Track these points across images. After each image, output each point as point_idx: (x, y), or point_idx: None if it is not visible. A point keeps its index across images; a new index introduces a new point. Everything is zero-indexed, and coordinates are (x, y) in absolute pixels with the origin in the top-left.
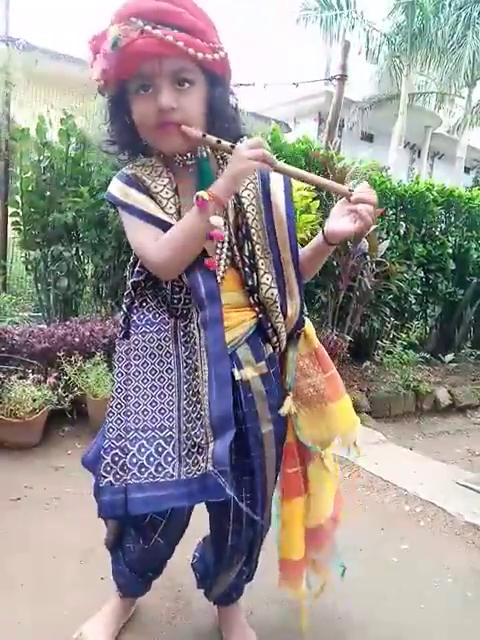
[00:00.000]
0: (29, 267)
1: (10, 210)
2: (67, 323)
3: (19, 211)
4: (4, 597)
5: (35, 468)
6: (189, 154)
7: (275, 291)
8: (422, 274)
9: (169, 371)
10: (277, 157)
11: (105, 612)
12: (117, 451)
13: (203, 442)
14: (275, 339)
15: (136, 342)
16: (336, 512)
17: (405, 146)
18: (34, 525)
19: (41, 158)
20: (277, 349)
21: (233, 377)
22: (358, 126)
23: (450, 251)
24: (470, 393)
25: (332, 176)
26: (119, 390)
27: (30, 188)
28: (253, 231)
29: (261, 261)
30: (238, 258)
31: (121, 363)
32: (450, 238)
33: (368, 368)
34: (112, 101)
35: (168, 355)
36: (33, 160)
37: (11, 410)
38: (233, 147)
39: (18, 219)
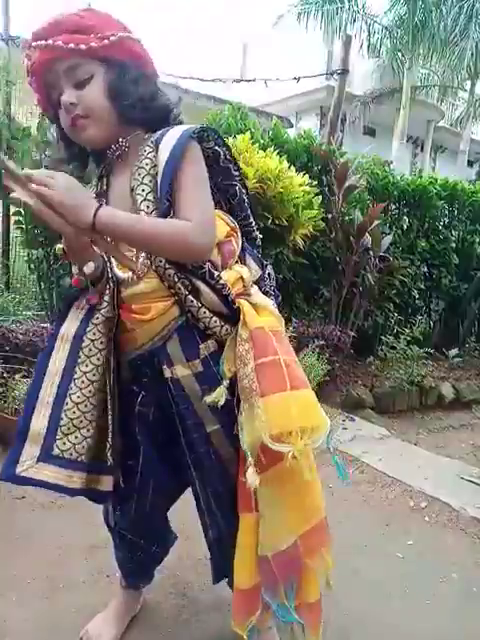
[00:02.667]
0: (32, 266)
1: (12, 209)
2: None
3: (21, 210)
4: (11, 595)
5: None
6: (114, 145)
7: (171, 271)
8: (425, 269)
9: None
10: (279, 153)
11: (110, 609)
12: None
13: None
14: (202, 326)
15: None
16: (306, 551)
17: (408, 140)
18: (39, 523)
19: (42, 157)
20: (217, 338)
21: (162, 374)
22: (360, 121)
23: (453, 245)
24: (474, 388)
25: (334, 171)
26: None
27: None
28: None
29: None
30: None
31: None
32: (453, 232)
33: (372, 363)
34: (54, 122)
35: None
36: (35, 159)
37: (15, 409)
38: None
39: (20, 218)
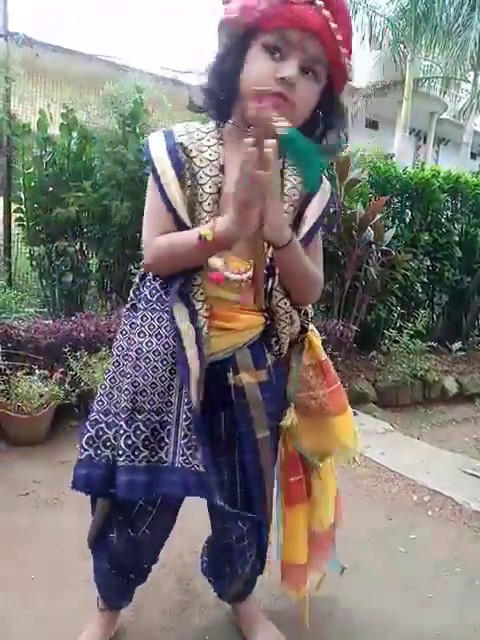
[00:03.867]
0: (34, 263)
1: (13, 206)
2: (72, 318)
3: (22, 207)
4: (15, 591)
5: (43, 463)
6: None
7: (287, 301)
8: (428, 262)
9: (173, 355)
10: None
11: (88, 636)
12: (103, 426)
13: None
14: (277, 347)
15: (144, 318)
16: (337, 518)
17: (410, 133)
18: (43, 520)
19: (43, 153)
20: (279, 355)
21: (226, 381)
22: (362, 113)
23: (456, 238)
24: (478, 381)
25: (336, 164)
26: (117, 364)
27: (33, 184)
28: None
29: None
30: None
31: (123, 337)
32: (456, 225)
33: (375, 358)
34: (229, 49)
35: (175, 338)
36: (35, 156)
37: (18, 406)
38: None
39: (22, 215)
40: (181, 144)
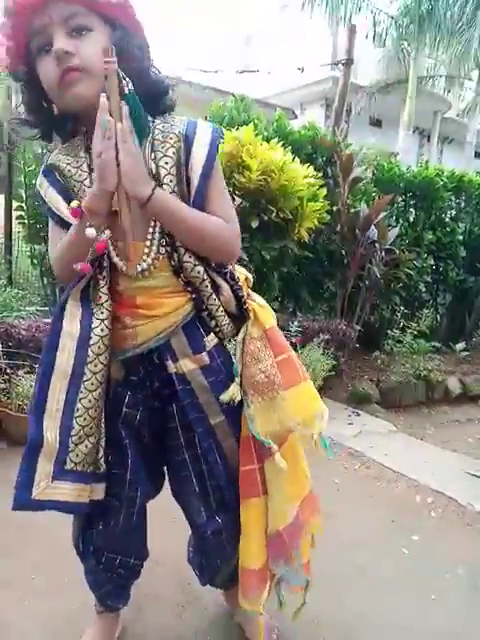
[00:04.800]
0: (35, 261)
1: (14, 204)
2: None
3: (23, 205)
4: (17, 590)
5: None
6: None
7: (201, 268)
8: (432, 262)
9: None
10: (283, 145)
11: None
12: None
13: None
14: (214, 323)
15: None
16: (305, 517)
17: (414, 131)
18: (44, 519)
19: (44, 151)
20: (220, 334)
21: (166, 369)
22: (366, 111)
23: (460, 238)
24: None
25: (339, 163)
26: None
27: (34, 182)
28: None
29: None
30: (164, 238)
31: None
32: (460, 224)
33: (378, 358)
34: (24, 79)
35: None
36: (36, 153)
37: (19, 405)
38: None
39: (23, 213)
40: (51, 165)
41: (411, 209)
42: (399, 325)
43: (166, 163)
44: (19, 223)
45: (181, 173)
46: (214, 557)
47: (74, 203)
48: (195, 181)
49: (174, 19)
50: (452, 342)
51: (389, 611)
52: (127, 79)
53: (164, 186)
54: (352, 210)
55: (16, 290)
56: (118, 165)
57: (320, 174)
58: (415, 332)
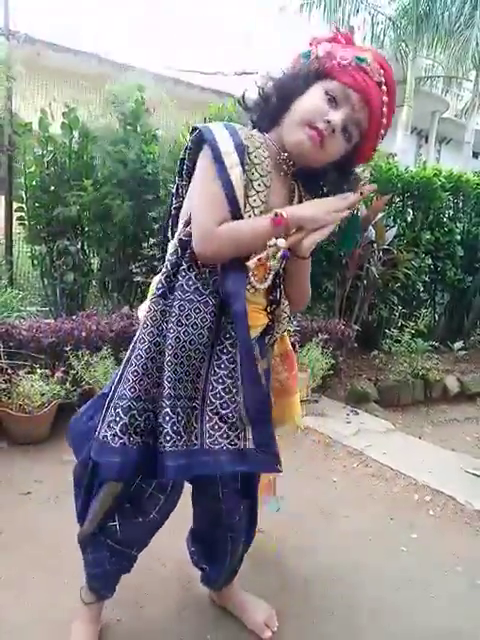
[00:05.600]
0: (35, 262)
1: (15, 205)
2: (74, 317)
3: (24, 206)
4: (16, 589)
5: (45, 462)
6: (291, 162)
7: (288, 309)
8: (430, 261)
9: (206, 346)
10: None
11: (82, 632)
12: (135, 413)
13: (237, 422)
14: (271, 341)
15: (181, 307)
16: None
17: (412, 132)
18: (44, 518)
19: (44, 152)
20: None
21: (257, 369)
22: None
23: (458, 238)
24: (479, 380)
25: None
26: (148, 350)
27: (34, 183)
28: None
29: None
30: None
31: (155, 323)
32: (458, 224)
33: (376, 357)
34: (302, 72)
35: (210, 330)
36: (36, 154)
37: (20, 405)
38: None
39: (23, 214)
40: (247, 147)
41: (409, 209)
42: (397, 324)
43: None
44: (19, 224)
45: None
46: (236, 542)
47: (282, 212)
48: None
49: (175, 20)
50: (450, 341)
51: (388, 609)
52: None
53: None
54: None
55: (17, 290)
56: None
57: None
58: (413, 331)
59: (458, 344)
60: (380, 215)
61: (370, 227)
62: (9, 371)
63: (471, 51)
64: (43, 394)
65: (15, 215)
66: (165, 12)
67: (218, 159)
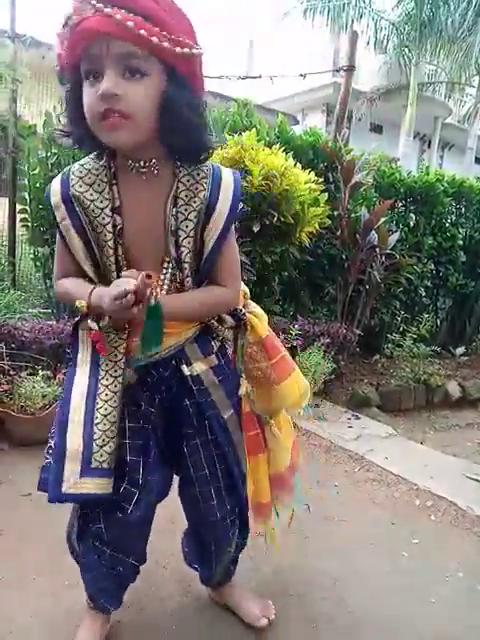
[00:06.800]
0: (38, 264)
1: (18, 207)
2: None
3: (27, 208)
4: (17, 591)
5: None
6: (142, 161)
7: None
8: (432, 266)
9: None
10: (284, 150)
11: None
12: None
13: None
14: (216, 333)
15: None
16: (294, 461)
17: (415, 137)
18: (45, 520)
19: (48, 154)
20: (222, 340)
21: (182, 372)
22: (367, 117)
23: (461, 243)
24: None
25: (340, 168)
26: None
27: (38, 185)
28: (187, 257)
29: (188, 280)
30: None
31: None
32: (461, 230)
33: (378, 362)
34: (69, 90)
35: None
36: (40, 156)
37: (22, 406)
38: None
39: (26, 216)
40: (74, 196)
41: (411, 214)
42: (399, 329)
43: (187, 227)
44: (22, 226)
45: (197, 234)
46: (219, 543)
47: (80, 304)
48: (210, 244)
49: None
50: (452, 346)
51: (389, 614)
52: (154, 294)
53: (182, 248)
54: (353, 215)
55: (19, 292)
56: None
57: (321, 179)
58: (415, 336)
59: (460, 349)
60: (383, 220)
61: (373, 231)
62: (11, 372)
63: (474, 57)
64: (45, 396)
65: (18, 217)
66: None
67: (55, 217)
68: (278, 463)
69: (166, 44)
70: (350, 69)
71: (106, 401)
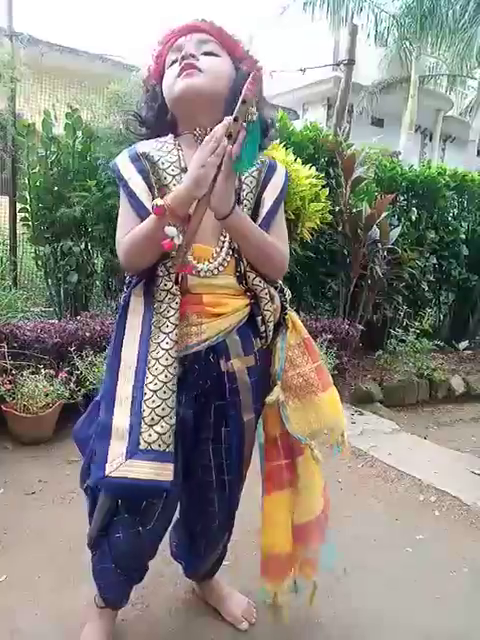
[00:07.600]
0: (39, 262)
1: (19, 206)
2: (78, 318)
3: (28, 207)
4: (22, 589)
5: (49, 462)
6: (208, 128)
7: (261, 279)
8: (434, 261)
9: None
10: (285, 145)
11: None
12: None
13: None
14: (263, 328)
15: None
16: (325, 507)
17: (416, 130)
18: (49, 518)
19: (48, 153)
20: (265, 340)
21: (219, 368)
22: (368, 111)
23: (463, 237)
24: None
25: (341, 163)
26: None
27: (38, 183)
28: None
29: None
30: (233, 245)
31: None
32: (463, 223)
33: (381, 357)
34: (150, 90)
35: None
36: (40, 155)
37: (24, 405)
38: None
39: (27, 215)
40: (143, 153)
41: (413, 208)
42: (402, 324)
43: (250, 182)
44: (23, 225)
45: (257, 194)
46: (211, 543)
47: (158, 201)
48: (268, 203)
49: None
50: (455, 341)
51: (393, 610)
52: (255, 109)
53: (244, 201)
54: (354, 210)
55: (21, 291)
56: (214, 179)
57: (322, 174)
58: (418, 331)
59: (463, 344)
60: (384, 214)
61: (374, 226)
62: (13, 372)
63: (475, 49)
64: (47, 394)
65: (19, 216)
66: (168, 13)
67: (120, 178)
68: (310, 506)
69: (234, 38)
70: (350, 63)
71: (156, 376)
